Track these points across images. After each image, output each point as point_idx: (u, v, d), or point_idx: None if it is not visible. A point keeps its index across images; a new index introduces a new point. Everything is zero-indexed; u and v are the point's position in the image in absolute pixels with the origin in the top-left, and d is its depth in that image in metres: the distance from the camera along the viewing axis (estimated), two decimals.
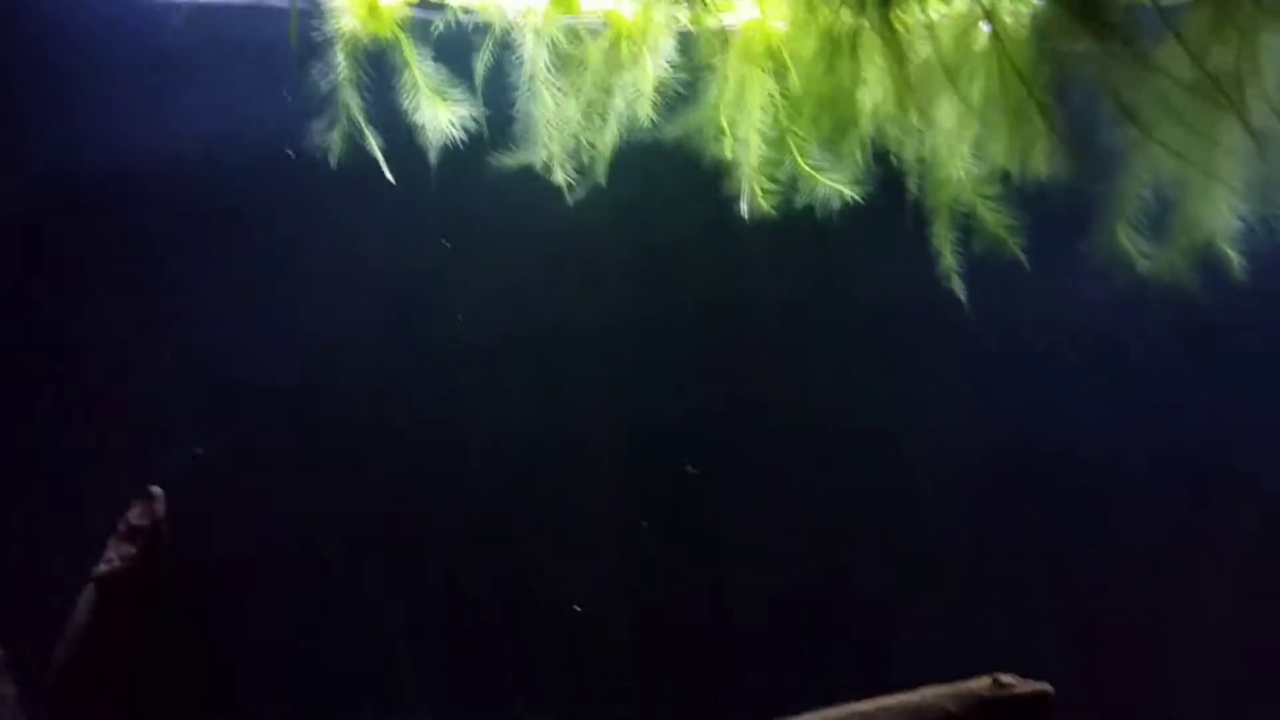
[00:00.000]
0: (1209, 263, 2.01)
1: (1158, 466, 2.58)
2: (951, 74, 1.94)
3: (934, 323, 2.42)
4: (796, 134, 2.12)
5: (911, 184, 2.08)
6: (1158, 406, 2.57)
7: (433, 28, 2.18)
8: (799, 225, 2.16)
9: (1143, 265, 1.98)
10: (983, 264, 2.11)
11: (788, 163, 2.14)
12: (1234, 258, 1.97)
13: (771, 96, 2.10)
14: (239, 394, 2.60)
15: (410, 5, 2.27)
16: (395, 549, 2.62)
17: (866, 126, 2.05)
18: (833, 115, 2.08)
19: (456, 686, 2.65)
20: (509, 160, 2.20)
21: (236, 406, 2.61)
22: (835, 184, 2.07)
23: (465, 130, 2.13)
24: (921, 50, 1.96)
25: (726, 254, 2.52)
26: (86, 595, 2.38)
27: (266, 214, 2.60)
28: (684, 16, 2.12)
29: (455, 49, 2.20)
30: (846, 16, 1.96)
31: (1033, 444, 2.59)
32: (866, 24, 1.96)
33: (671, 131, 2.21)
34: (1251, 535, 2.68)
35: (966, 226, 2.08)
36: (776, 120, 2.11)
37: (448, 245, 2.56)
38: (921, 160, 2.07)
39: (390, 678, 2.67)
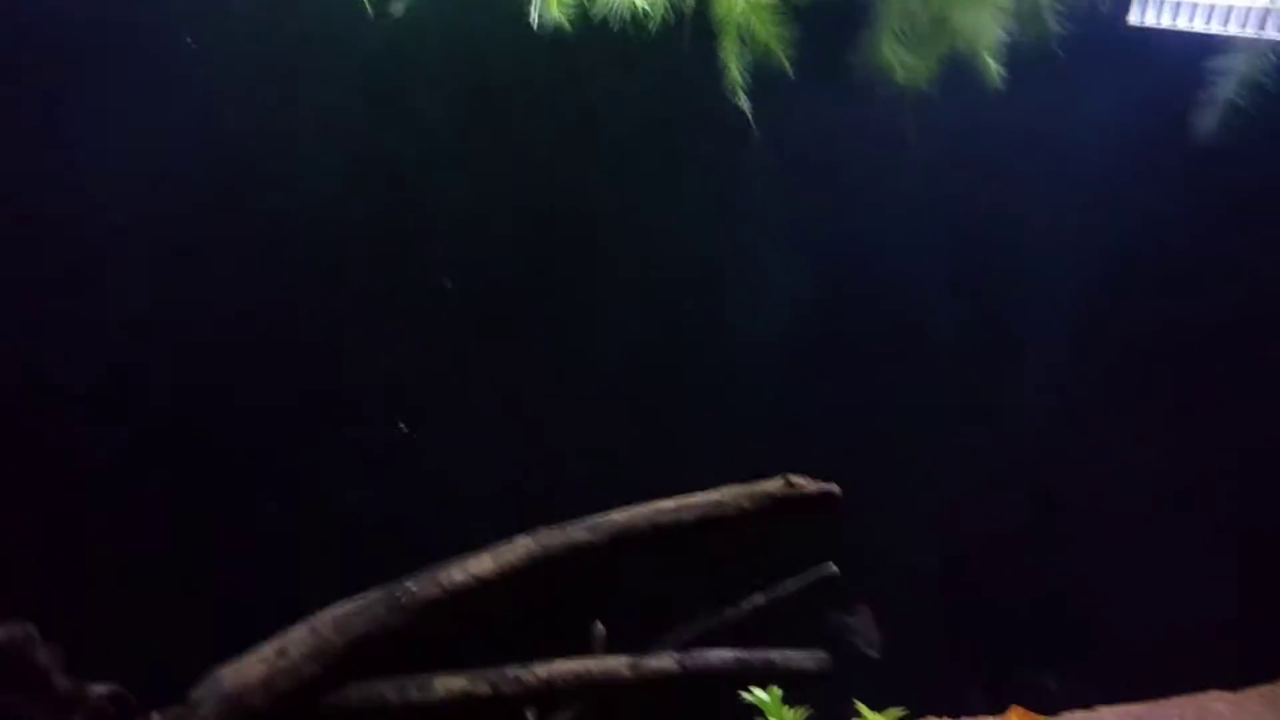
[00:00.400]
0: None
1: (943, 261, 2.71)
2: None
3: (721, 133, 2.44)
4: None
5: None
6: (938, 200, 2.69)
7: None
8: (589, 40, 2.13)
9: (902, 75, 2.10)
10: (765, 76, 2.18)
11: None
12: (994, 68, 2.14)
13: None
14: None
15: None
16: None
17: None
18: None
19: None
20: None
21: None
22: None
23: None
24: None
25: (516, 70, 2.47)
26: None
27: None
28: None
29: None
30: None
31: (827, 250, 2.67)
32: None
33: None
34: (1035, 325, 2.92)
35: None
36: None
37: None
38: None
39: None
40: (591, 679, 1.77)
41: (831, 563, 2.12)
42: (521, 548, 1.99)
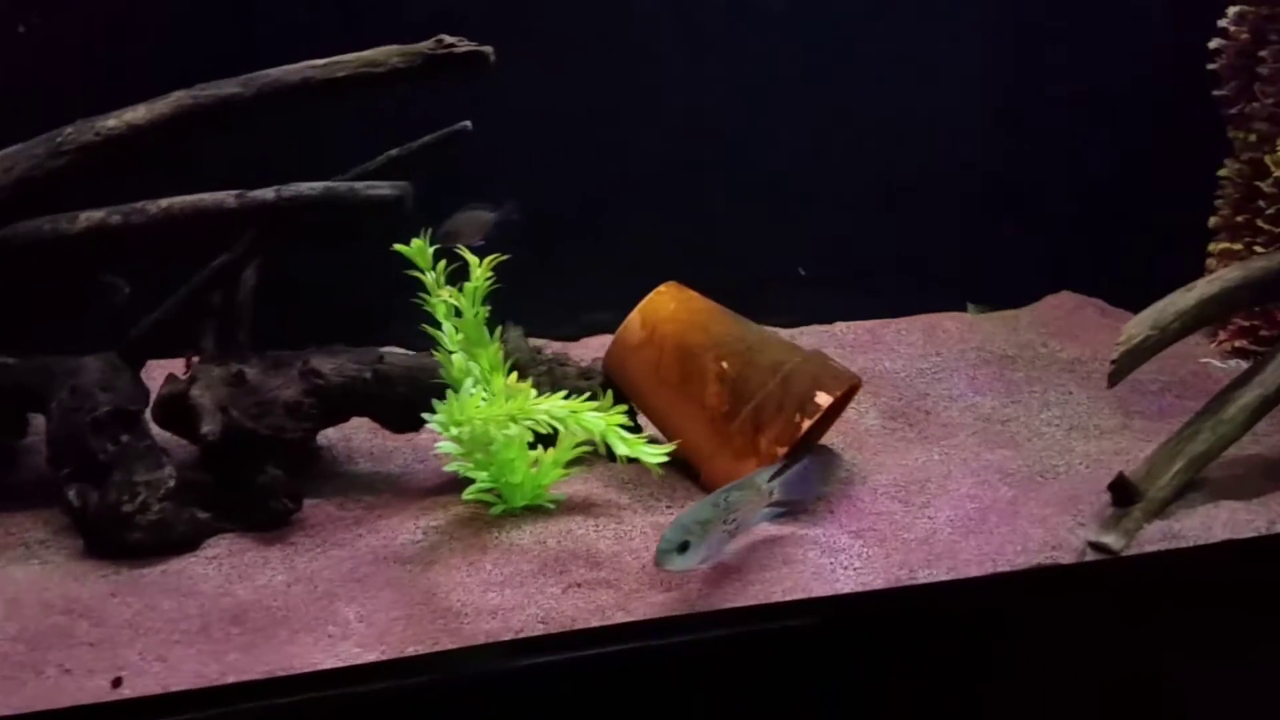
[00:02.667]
0: None
1: None
2: None
3: None
4: None
5: None
6: None
7: None
8: None
9: None
10: None
11: None
12: None
13: None
14: None
15: None
16: None
17: None
18: None
19: None
20: None
21: None
22: None
23: None
24: None
25: None
26: None
27: None
28: None
29: None
30: None
31: None
32: None
33: None
34: None
35: None
36: None
37: None
38: None
39: None
40: (204, 207, 1.92)
41: (468, 122, 2.20)
42: (174, 99, 2.00)
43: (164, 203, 1.93)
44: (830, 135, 3.11)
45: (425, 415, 2.06)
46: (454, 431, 2.04)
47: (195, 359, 2.25)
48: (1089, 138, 3.20)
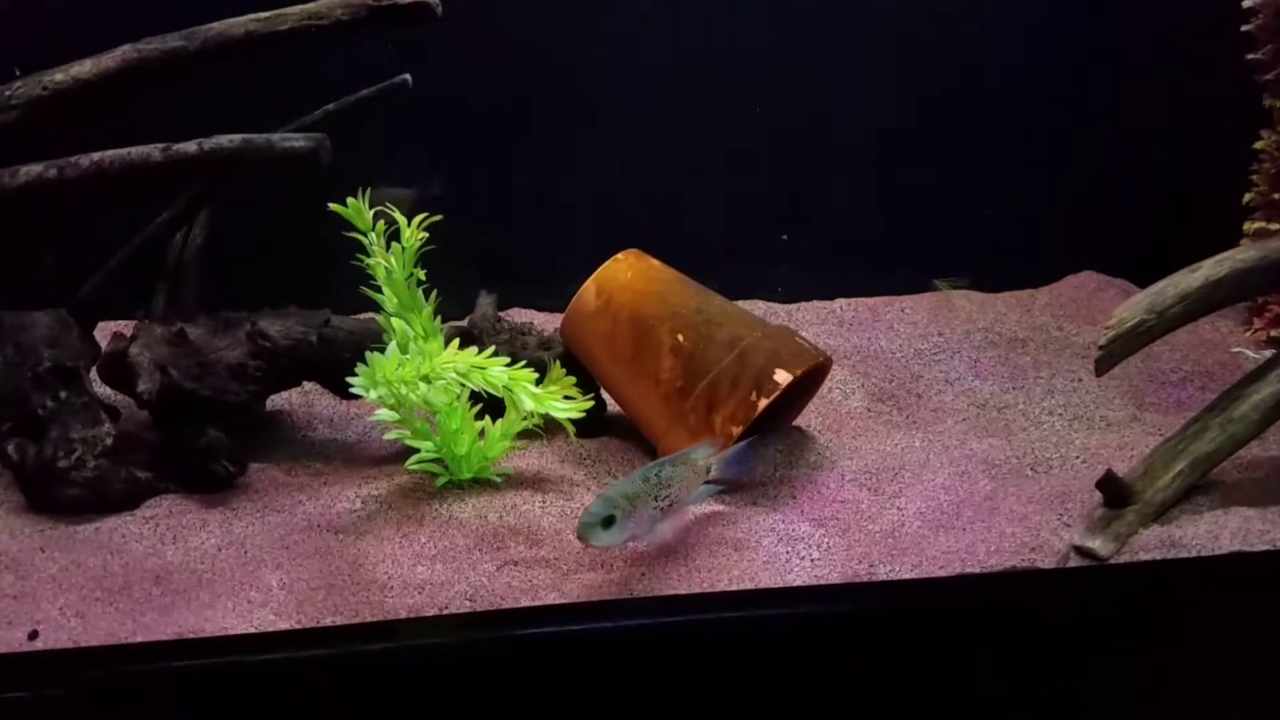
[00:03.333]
0: None
1: None
2: None
3: None
4: None
5: None
6: None
7: None
8: None
9: None
10: None
11: None
12: None
13: None
14: None
15: None
16: None
17: None
18: None
19: None
20: None
21: None
22: None
23: None
24: None
25: None
26: None
27: None
28: None
29: None
30: None
31: None
32: None
33: None
34: None
35: None
36: None
37: None
38: None
39: None
40: (132, 160, 1.88)
41: (407, 75, 2.10)
42: (119, 53, 1.97)
43: (95, 156, 1.91)
44: (838, 108, 2.95)
45: (349, 379, 1.97)
46: (374, 394, 1.95)
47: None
48: (1113, 107, 2.92)
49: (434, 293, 2.08)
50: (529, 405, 2.02)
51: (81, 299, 2.19)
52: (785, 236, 2.88)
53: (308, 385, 2.47)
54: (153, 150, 1.85)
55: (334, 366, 2.13)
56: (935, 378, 2.66)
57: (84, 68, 2.02)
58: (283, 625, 1.75)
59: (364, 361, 2.01)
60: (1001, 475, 2.17)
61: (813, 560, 1.95)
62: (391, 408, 2.03)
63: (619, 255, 2.23)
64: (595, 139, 2.83)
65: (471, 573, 1.89)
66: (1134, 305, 1.96)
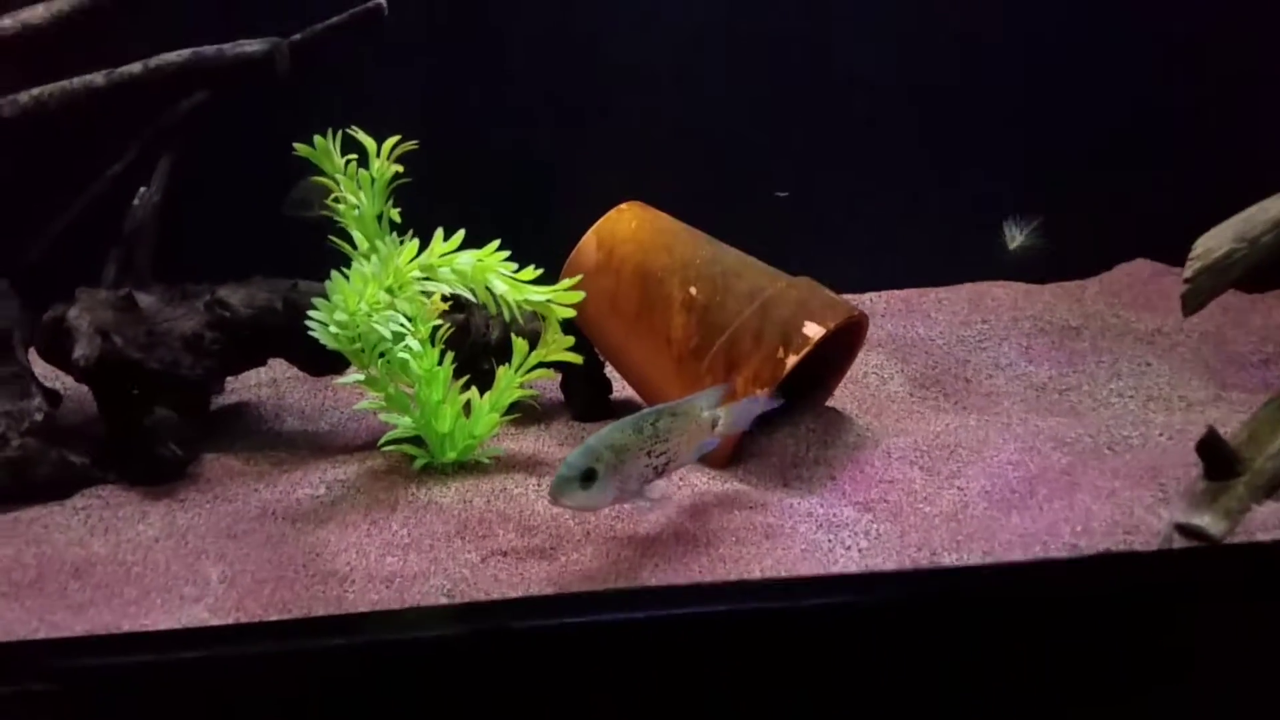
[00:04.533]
0: None
1: None
2: None
3: None
4: None
5: None
6: None
7: None
8: None
9: None
10: None
11: None
12: None
13: None
14: None
15: None
16: None
17: None
18: None
19: None
20: None
21: None
22: None
23: None
24: None
25: None
26: None
27: None
28: None
29: None
30: None
31: None
32: None
33: None
34: None
35: None
36: None
37: None
38: None
39: None
40: (73, 90, 1.68)
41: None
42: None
43: (35, 91, 1.74)
44: (869, 102, 2.77)
45: (307, 322, 1.68)
46: (333, 330, 1.66)
47: None
48: (1166, 88, 2.68)
49: (409, 233, 1.79)
50: (500, 289, 1.69)
51: (28, 264, 1.95)
52: (783, 194, 2.61)
53: (279, 374, 2.23)
54: (95, 77, 1.67)
55: (301, 336, 1.78)
56: (983, 362, 2.37)
57: (35, 13, 1.83)
58: (216, 622, 1.49)
59: None
60: (1076, 452, 1.85)
61: (860, 550, 1.63)
62: (362, 367, 1.72)
63: (621, 206, 1.97)
64: (617, 126, 2.63)
65: (450, 563, 1.58)
66: (1219, 234, 1.68)
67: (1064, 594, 1.57)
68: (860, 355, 2.18)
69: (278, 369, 2.31)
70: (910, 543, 1.64)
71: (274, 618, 1.44)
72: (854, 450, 1.90)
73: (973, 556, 1.59)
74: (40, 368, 2.00)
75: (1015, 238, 2.39)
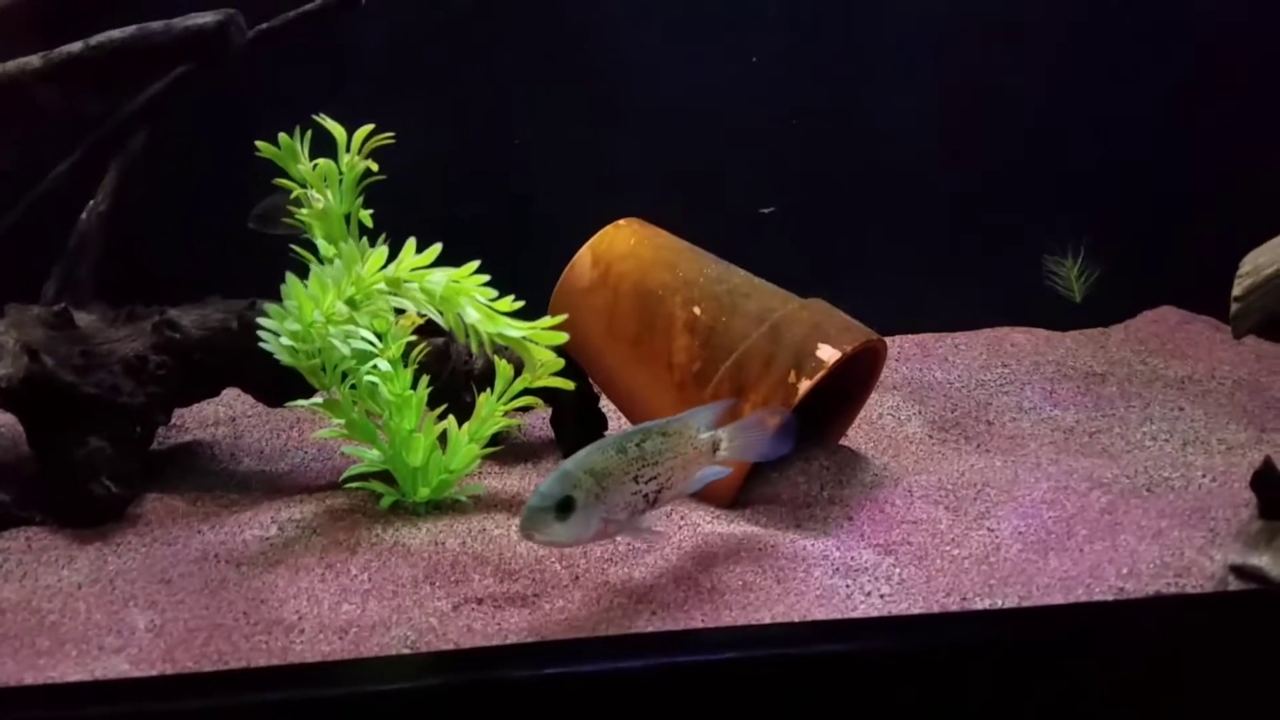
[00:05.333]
0: None
1: None
2: None
3: None
4: None
5: None
6: None
7: None
8: None
9: None
10: None
11: None
12: None
13: None
14: None
15: None
16: None
17: None
18: None
19: None
20: None
21: None
22: None
23: None
24: None
25: None
26: None
27: None
28: None
29: None
30: None
31: None
32: None
33: None
34: None
35: None
36: None
37: None
38: None
39: None
40: (9, 71, 1.55)
41: None
42: None
43: None
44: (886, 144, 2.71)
45: (262, 323, 1.50)
46: (285, 341, 1.47)
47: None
48: (1187, 131, 2.59)
49: (382, 236, 1.58)
50: (472, 317, 1.48)
51: None
52: (768, 210, 2.45)
53: (239, 410, 2.04)
54: (32, 59, 1.52)
55: (257, 360, 1.58)
56: (1006, 405, 2.21)
57: None
58: (136, 674, 1.28)
59: None
60: (1115, 492, 1.68)
61: (882, 596, 1.44)
62: (323, 389, 1.53)
63: (619, 221, 1.81)
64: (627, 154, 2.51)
65: (416, 612, 1.38)
66: (1271, 250, 1.55)
67: (1113, 640, 1.40)
68: (874, 397, 2.04)
69: (237, 406, 2.13)
70: (938, 588, 1.46)
71: (207, 669, 1.27)
72: (872, 489, 1.72)
73: (1008, 602, 1.42)
74: None
75: (1069, 270, 2.30)
